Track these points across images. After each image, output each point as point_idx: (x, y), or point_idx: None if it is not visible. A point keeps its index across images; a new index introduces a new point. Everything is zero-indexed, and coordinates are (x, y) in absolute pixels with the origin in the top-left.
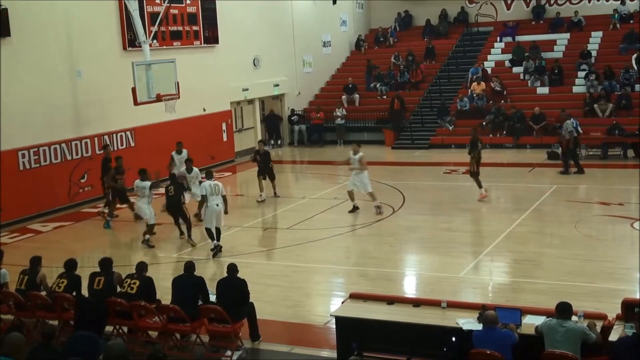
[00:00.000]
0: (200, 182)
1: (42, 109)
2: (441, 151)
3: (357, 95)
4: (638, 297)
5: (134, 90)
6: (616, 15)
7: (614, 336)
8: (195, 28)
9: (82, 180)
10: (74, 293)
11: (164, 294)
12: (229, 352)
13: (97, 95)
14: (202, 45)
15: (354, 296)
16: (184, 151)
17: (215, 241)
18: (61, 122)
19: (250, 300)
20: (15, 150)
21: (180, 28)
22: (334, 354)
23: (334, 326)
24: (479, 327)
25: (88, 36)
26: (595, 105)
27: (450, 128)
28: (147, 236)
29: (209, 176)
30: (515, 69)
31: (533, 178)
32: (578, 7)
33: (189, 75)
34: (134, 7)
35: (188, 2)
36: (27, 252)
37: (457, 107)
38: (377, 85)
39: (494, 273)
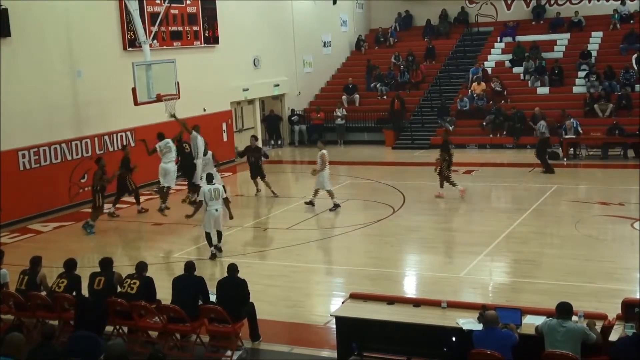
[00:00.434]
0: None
1: (42, 109)
2: None
3: (357, 96)
4: (638, 297)
5: (134, 90)
6: (616, 16)
7: (614, 336)
8: (195, 28)
9: (82, 181)
10: (74, 293)
11: (164, 294)
12: (229, 352)
13: (97, 95)
14: (202, 45)
15: (354, 296)
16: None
17: (213, 246)
18: (61, 122)
19: (251, 300)
20: (15, 150)
21: (180, 28)
22: (334, 354)
23: (334, 326)
24: (479, 327)
25: (88, 36)
26: (595, 106)
27: (450, 128)
28: (163, 205)
29: (209, 180)
30: (516, 69)
31: (533, 178)
32: (578, 7)
33: (189, 75)
34: (134, 7)
35: (188, 2)
36: (27, 252)
37: (457, 107)
38: (377, 86)
39: (494, 273)
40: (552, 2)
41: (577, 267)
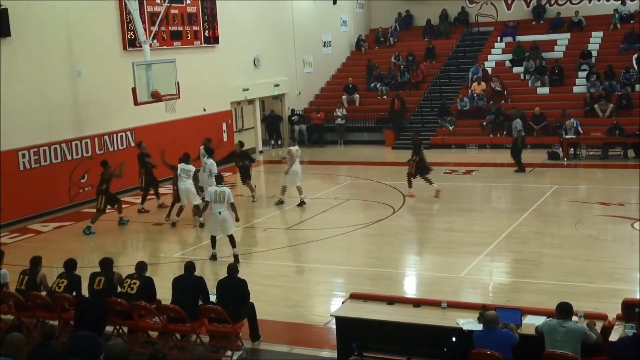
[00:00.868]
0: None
1: (42, 109)
2: (441, 151)
3: (358, 95)
4: (638, 297)
5: (134, 90)
6: (616, 16)
7: (614, 336)
8: (195, 28)
9: (82, 180)
10: (74, 293)
11: (164, 294)
12: (229, 352)
13: (97, 95)
14: (202, 45)
15: (354, 296)
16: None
17: (214, 250)
18: (61, 122)
19: (251, 301)
20: (15, 150)
21: (180, 28)
22: (334, 354)
23: (334, 326)
24: (479, 327)
25: (88, 36)
26: (595, 106)
27: (450, 128)
28: (200, 219)
29: (218, 181)
30: (516, 69)
31: (533, 178)
32: (578, 7)
33: (189, 75)
34: (134, 7)
35: (188, 2)
36: (27, 252)
37: (457, 107)
38: (378, 85)
39: (494, 273)
40: (553, 2)
41: (577, 267)
